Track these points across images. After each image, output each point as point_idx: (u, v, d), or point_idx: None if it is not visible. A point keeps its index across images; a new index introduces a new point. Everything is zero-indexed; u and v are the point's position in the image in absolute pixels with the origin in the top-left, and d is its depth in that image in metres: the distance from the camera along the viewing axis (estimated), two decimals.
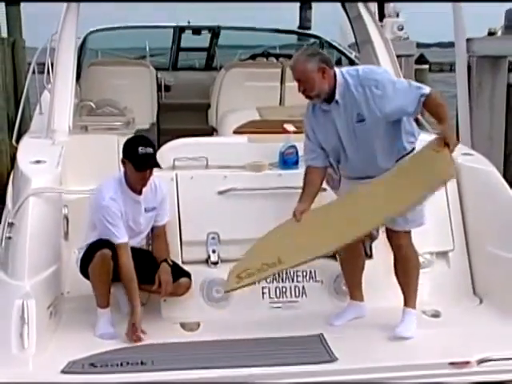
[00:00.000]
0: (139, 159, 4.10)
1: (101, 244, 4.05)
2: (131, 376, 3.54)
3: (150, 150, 4.13)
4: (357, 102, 3.99)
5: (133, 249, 4.18)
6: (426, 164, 4.08)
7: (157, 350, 3.84)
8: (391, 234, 4.22)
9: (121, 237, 4.08)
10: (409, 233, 4.19)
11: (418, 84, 4.11)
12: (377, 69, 4.35)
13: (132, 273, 4.04)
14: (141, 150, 4.10)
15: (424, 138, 4.24)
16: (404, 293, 4.21)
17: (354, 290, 4.43)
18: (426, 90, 4.02)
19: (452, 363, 3.68)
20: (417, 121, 4.75)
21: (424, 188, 4.04)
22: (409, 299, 4.19)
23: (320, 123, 4.17)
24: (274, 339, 3.99)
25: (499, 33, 7.13)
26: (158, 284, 4.16)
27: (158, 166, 4.23)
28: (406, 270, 4.20)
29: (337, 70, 4.08)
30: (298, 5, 14.37)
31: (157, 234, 4.37)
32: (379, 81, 3.97)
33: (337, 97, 4.03)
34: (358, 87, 3.98)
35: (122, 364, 3.63)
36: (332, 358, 3.76)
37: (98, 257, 4.00)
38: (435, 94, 4.06)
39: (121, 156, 4.21)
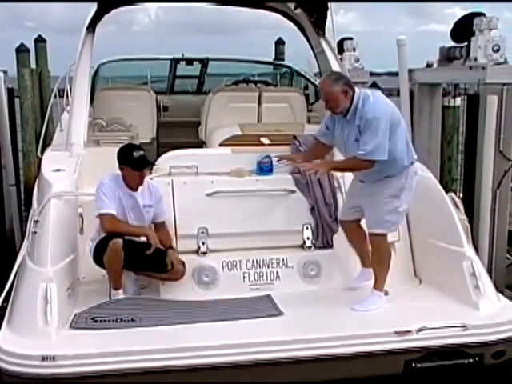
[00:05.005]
0: (136, 161, 4.14)
1: (112, 236, 4.04)
2: (124, 331, 3.66)
3: (142, 152, 4.20)
4: (355, 125, 4.02)
5: (137, 242, 4.18)
6: None
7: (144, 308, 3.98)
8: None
9: (108, 208, 4.06)
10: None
11: (372, 147, 3.92)
12: (378, 110, 3.98)
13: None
14: (135, 153, 4.16)
15: None
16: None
17: (363, 259, 4.45)
18: (365, 154, 3.93)
19: (396, 332, 3.72)
20: None
21: None
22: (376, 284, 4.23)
23: (337, 125, 4.22)
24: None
25: (435, 65, 7.20)
26: (171, 265, 4.14)
27: (152, 163, 4.32)
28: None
29: (357, 91, 4.06)
30: (273, 41, 14.37)
31: (159, 228, 4.37)
32: (367, 120, 3.93)
33: (348, 116, 4.06)
34: (359, 115, 3.99)
35: (116, 320, 3.73)
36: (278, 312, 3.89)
37: (111, 247, 3.99)
38: (360, 164, 4.00)
39: None
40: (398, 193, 4.12)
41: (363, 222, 4.39)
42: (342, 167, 4.28)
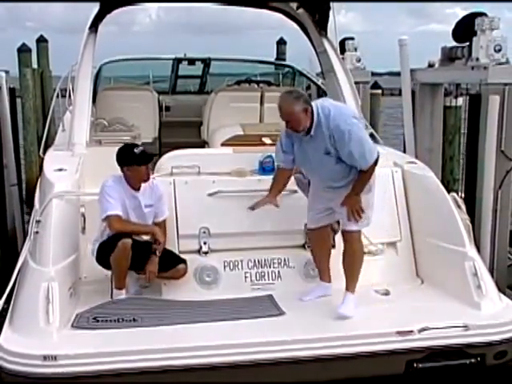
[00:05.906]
0: (140, 157, 4.17)
1: (120, 235, 4.03)
2: (126, 331, 3.67)
3: (141, 147, 4.26)
4: (325, 138, 3.96)
5: (139, 242, 4.17)
6: None
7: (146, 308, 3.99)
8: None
9: (115, 209, 4.07)
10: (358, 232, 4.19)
11: (368, 153, 3.94)
12: (346, 115, 4.01)
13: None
14: (136, 150, 4.20)
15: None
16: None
17: (323, 273, 4.41)
18: (368, 162, 3.93)
19: (398, 332, 3.72)
20: (372, 136, 4.79)
21: None
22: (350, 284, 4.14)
23: (296, 144, 4.16)
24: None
25: (437, 65, 7.19)
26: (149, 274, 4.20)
27: (154, 155, 4.45)
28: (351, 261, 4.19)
29: (313, 105, 4.00)
30: (275, 41, 14.39)
31: (158, 227, 4.33)
32: (343, 132, 3.89)
33: (312, 132, 4.01)
34: (327, 128, 3.94)
35: (118, 320, 3.73)
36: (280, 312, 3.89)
37: (120, 246, 3.98)
38: (371, 171, 3.99)
39: None
40: (369, 188, 4.12)
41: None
42: (363, 186, 4.06)
